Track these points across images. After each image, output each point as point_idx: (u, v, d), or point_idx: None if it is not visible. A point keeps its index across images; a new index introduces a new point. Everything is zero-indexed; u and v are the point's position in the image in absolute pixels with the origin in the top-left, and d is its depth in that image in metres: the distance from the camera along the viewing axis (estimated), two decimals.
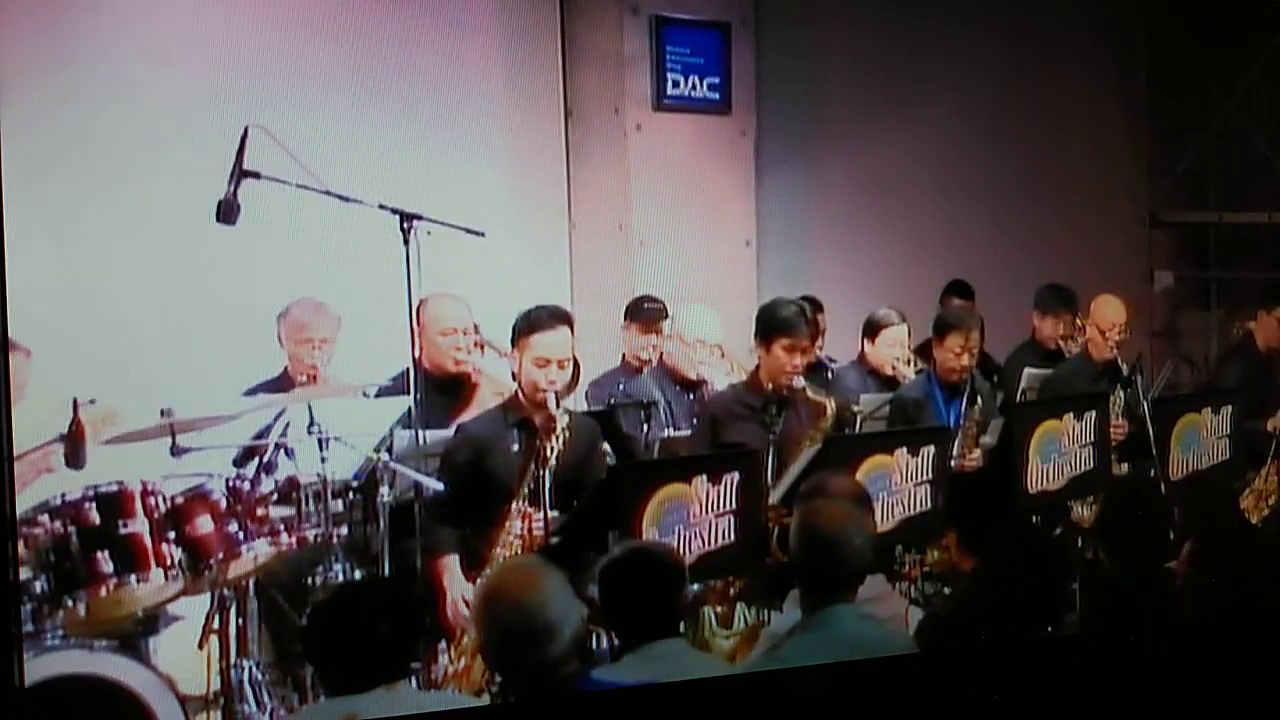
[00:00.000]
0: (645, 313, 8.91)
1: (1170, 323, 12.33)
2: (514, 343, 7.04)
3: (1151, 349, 10.38)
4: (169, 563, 6.35)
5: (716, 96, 10.51)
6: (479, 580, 6.60)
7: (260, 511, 6.64)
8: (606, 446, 7.47)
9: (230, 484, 6.60)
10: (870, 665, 5.35)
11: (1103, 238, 11.75)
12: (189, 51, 8.57)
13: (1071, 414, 7.82)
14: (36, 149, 7.93)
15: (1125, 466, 8.37)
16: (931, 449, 7.24)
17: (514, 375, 7.13)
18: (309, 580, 6.97)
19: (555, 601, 4.92)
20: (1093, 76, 11.92)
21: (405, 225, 6.81)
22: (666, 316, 8.81)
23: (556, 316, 7.05)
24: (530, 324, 6.98)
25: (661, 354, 8.70)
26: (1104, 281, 9.81)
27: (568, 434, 6.83)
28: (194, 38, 8.59)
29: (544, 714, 5.13)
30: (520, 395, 7.03)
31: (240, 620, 6.82)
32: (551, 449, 6.76)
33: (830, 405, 7.59)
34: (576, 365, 7.78)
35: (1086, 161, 11.86)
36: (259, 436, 6.89)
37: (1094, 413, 7.92)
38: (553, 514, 6.74)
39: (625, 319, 9.02)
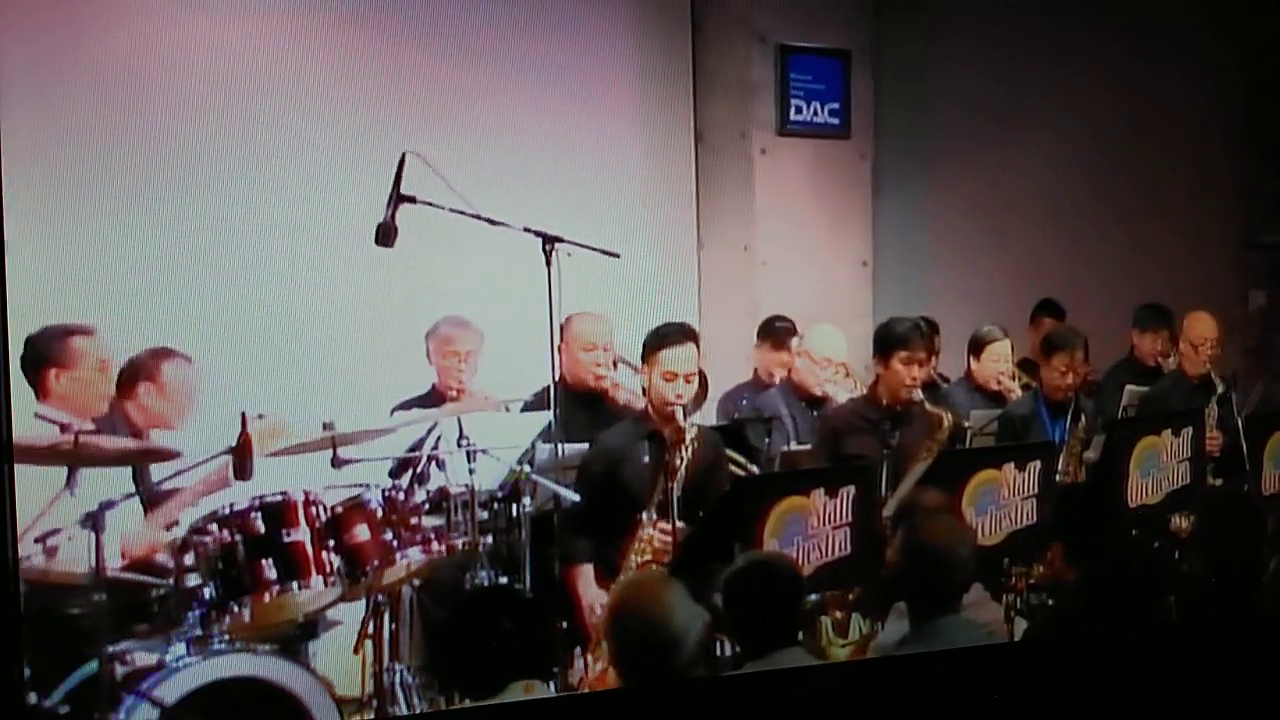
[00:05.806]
0: (776, 331, 8.97)
1: (1263, 341, 12.20)
2: (644, 358, 7.06)
3: (1245, 366, 10.27)
4: (328, 570, 6.33)
5: (837, 121, 10.49)
6: (610, 590, 6.63)
7: (413, 520, 6.59)
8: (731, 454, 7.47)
9: (386, 494, 6.57)
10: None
11: (1199, 258, 11.60)
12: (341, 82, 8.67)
13: (1170, 430, 7.76)
14: (215, 177, 8.17)
15: (1219, 481, 8.28)
16: (1038, 464, 7.19)
17: (644, 390, 7.16)
18: (456, 586, 6.98)
19: (678, 613, 4.90)
20: (1193, 106, 11.73)
21: (548, 247, 6.79)
22: (796, 334, 8.82)
23: (684, 333, 7.07)
24: (659, 340, 7.01)
25: (790, 370, 8.68)
26: (1199, 300, 9.67)
27: (695, 445, 6.84)
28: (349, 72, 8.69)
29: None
30: (650, 409, 7.05)
31: (393, 625, 6.82)
32: (680, 460, 6.80)
33: (947, 417, 7.56)
34: (704, 379, 7.82)
35: (1186, 186, 11.68)
36: (413, 449, 6.91)
37: (1190, 429, 7.86)
38: (680, 524, 6.76)
39: (758, 337, 9.07)
